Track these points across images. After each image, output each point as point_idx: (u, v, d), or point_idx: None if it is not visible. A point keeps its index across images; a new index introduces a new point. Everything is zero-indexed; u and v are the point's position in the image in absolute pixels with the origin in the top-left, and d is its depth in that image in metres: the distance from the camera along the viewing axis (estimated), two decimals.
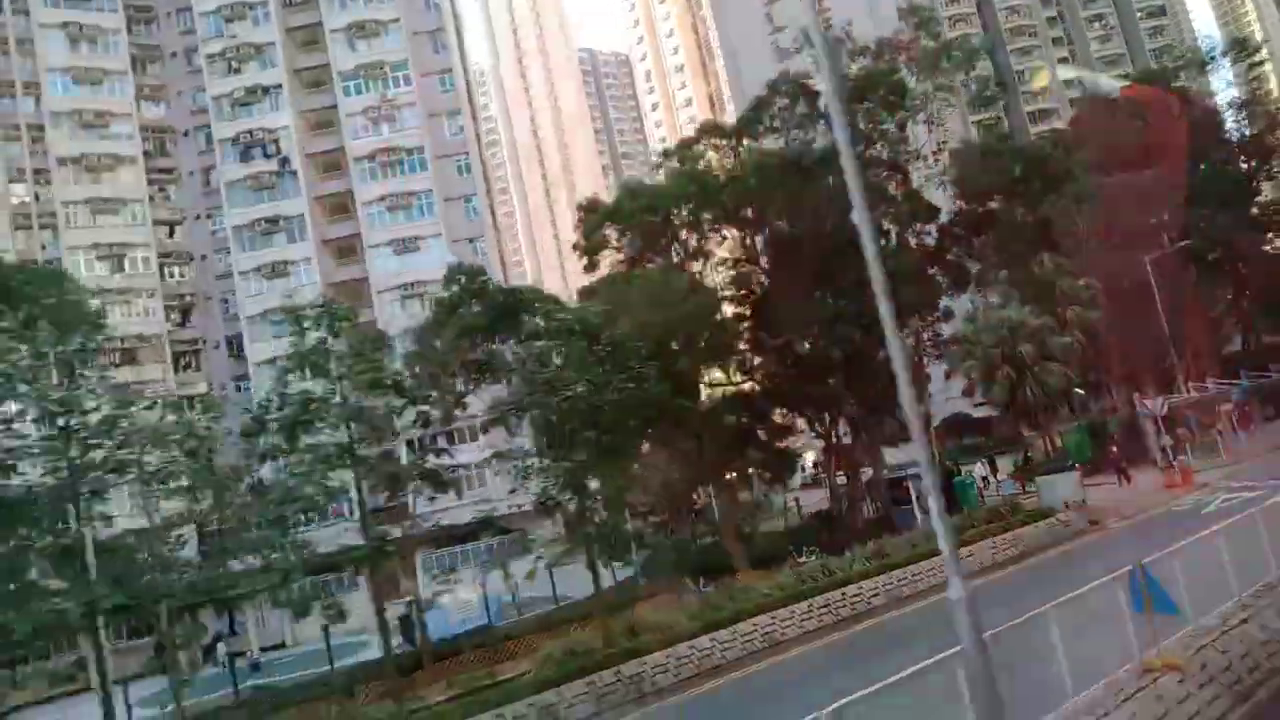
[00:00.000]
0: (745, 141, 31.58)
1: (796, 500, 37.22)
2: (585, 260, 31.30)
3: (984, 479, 41.07)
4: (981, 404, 58.09)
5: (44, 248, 54.89)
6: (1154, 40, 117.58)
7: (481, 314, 30.54)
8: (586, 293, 31.61)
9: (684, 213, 29.33)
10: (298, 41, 59.84)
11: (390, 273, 56.81)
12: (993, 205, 31.36)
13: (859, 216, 10.25)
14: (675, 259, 30.11)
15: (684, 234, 30.24)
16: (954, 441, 64.34)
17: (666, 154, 33.81)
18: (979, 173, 32.11)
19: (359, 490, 23.83)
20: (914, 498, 33.00)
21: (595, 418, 24.13)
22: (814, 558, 29.04)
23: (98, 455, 19.05)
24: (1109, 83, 72.86)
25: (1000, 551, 25.59)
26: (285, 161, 57.05)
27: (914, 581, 23.05)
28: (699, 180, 28.78)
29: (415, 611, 28.14)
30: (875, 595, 22.26)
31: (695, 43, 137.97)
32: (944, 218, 34.59)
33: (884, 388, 35.92)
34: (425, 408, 25.19)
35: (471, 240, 59.83)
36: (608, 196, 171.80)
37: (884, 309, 9.71)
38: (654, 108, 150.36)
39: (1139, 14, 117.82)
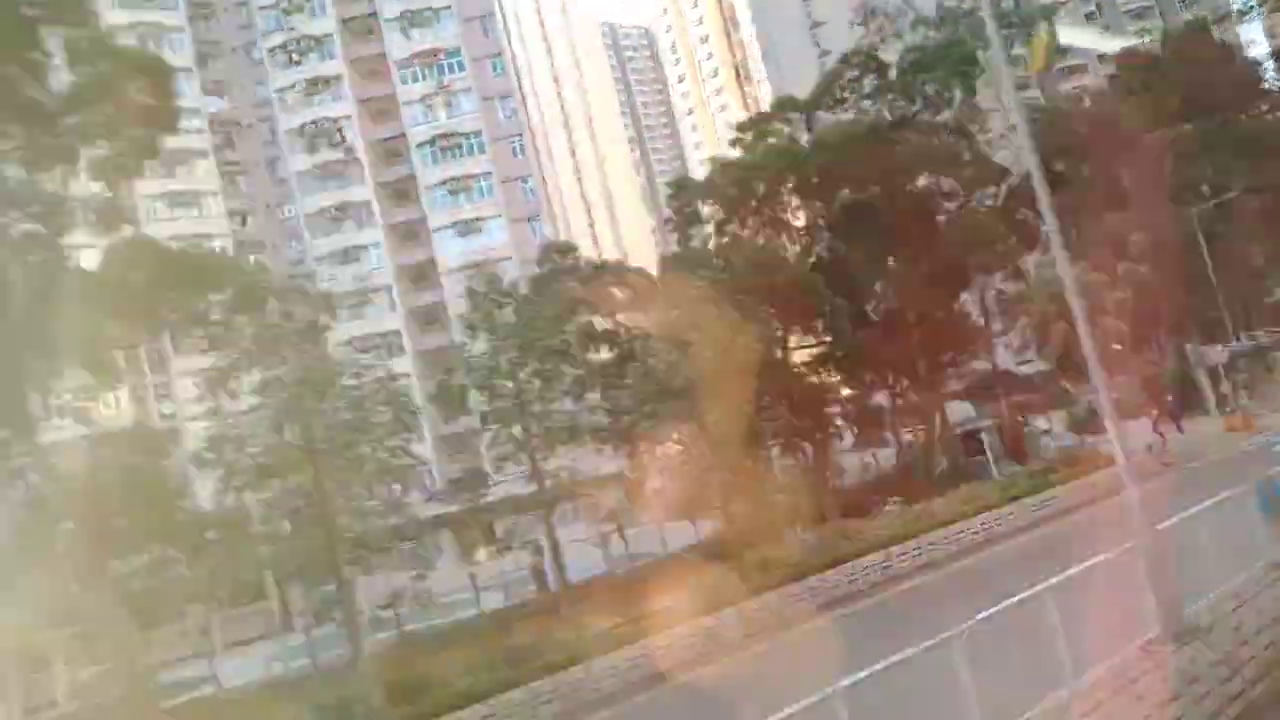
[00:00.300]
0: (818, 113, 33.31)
1: (874, 455, 39.43)
2: (677, 233, 33.37)
3: (1045, 431, 42.91)
4: (1026, 361, 59.74)
5: None
6: None
7: (577, 286, 32.67)
8: (674, 261, 33.79)
9: (762, 186, 31.15)
10: (353, 31, 61.70)
11: (455, 253, 58.94)
12: (1059, 167, 32.83)
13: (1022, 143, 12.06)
14: (755, 229, 31.88)
15: (768, 205, 32.08)
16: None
17: (742, 128, 35.59)
18: (1046, 134, 33.65)
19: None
20: (986, 449, 34.97)
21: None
22: (898, 506, 31.24)
23: None
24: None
25: (1073, 496, 27.63)
26: (349, 150, 59.22)
27: (1028, 514, 25.42)
28: (787, 153, 30.58)
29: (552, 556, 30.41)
30: (999, 523, 24.62)
31: (719, 13, 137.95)
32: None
33: (951, 344, 37.94)
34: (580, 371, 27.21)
35: (529, 220, 61.98)
36: (634, 169, 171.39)
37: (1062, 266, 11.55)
38: (680, 79, 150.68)
39: None
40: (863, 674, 7.72)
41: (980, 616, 8.87)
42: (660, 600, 21.71)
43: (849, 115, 33.12)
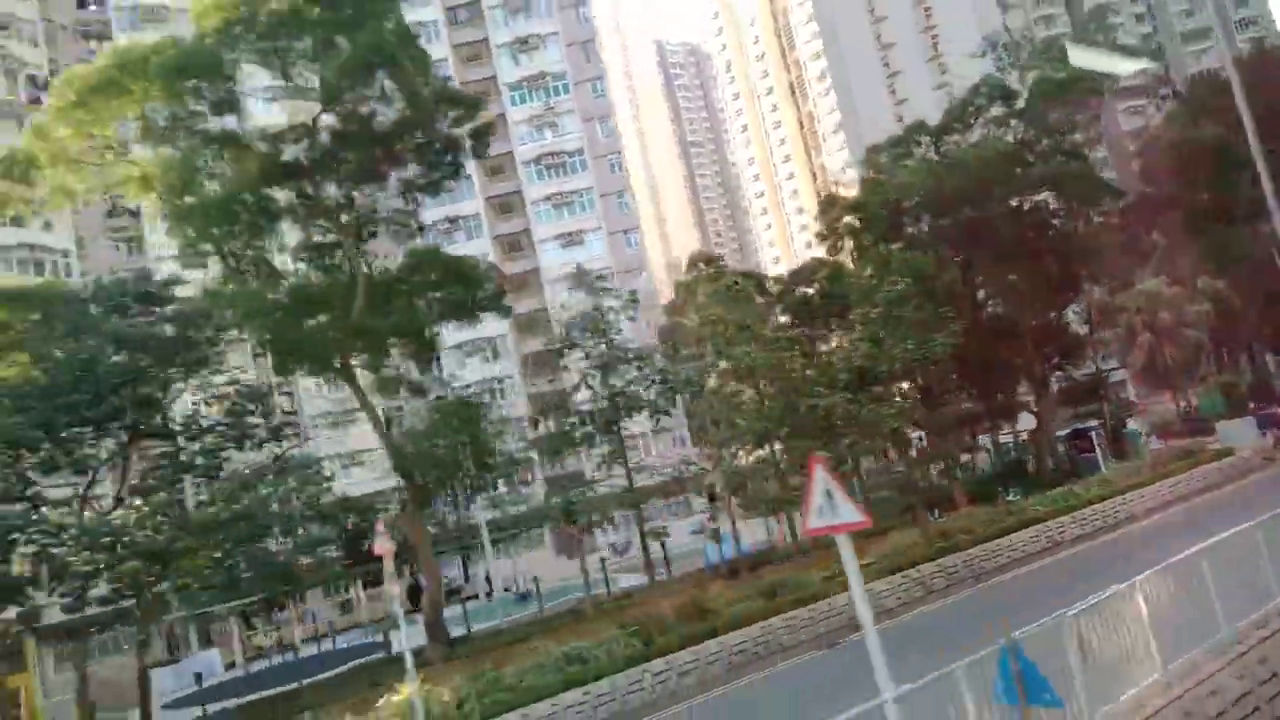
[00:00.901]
0: (948, 137, 36.59)
1: (997, 445, 42.47)
2: (827, 244, 36.78)
3: (1144, 434, 45.70)
4: (1114, 369, 62.12)
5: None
6: (1240, 10, 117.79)
7: (717, 296, 36.06)
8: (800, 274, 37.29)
9: (907, 203, 34.46)
10: (464, 57, 65.88)
11: (557, 264, 62.71)
12: (1172, 189, 35.68)
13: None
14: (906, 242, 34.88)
15: (910, 220, 35.37)
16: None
17: (877, 149, 38.96)
18: (1160, 161, 36.63)
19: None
20: (1096, 447, 37.88)
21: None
22: (1018, 496, 34.29)
23: None
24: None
25: (1208, 478, 30.50)
26: (460, 167, 63.13)
27: (1144, 501, 28.27)
28: (931, 173, 33.87)
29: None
30: (1121, 509, 27.48)
31: (775, 33, 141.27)
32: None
33: (1064, 349, 40.94)
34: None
35: (625, 232, 65.82)
36: (683, 183, 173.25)
37: None
38: (735, 96, 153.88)
39: None
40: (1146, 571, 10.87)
41: (1197, 548, 11.73)
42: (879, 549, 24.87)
43: (973, 138, 36.39)
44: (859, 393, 25.71)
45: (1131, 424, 46.62)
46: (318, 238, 23.98)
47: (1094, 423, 40.93)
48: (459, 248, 63.99)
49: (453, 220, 63.57)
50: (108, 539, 17.66)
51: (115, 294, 21.17)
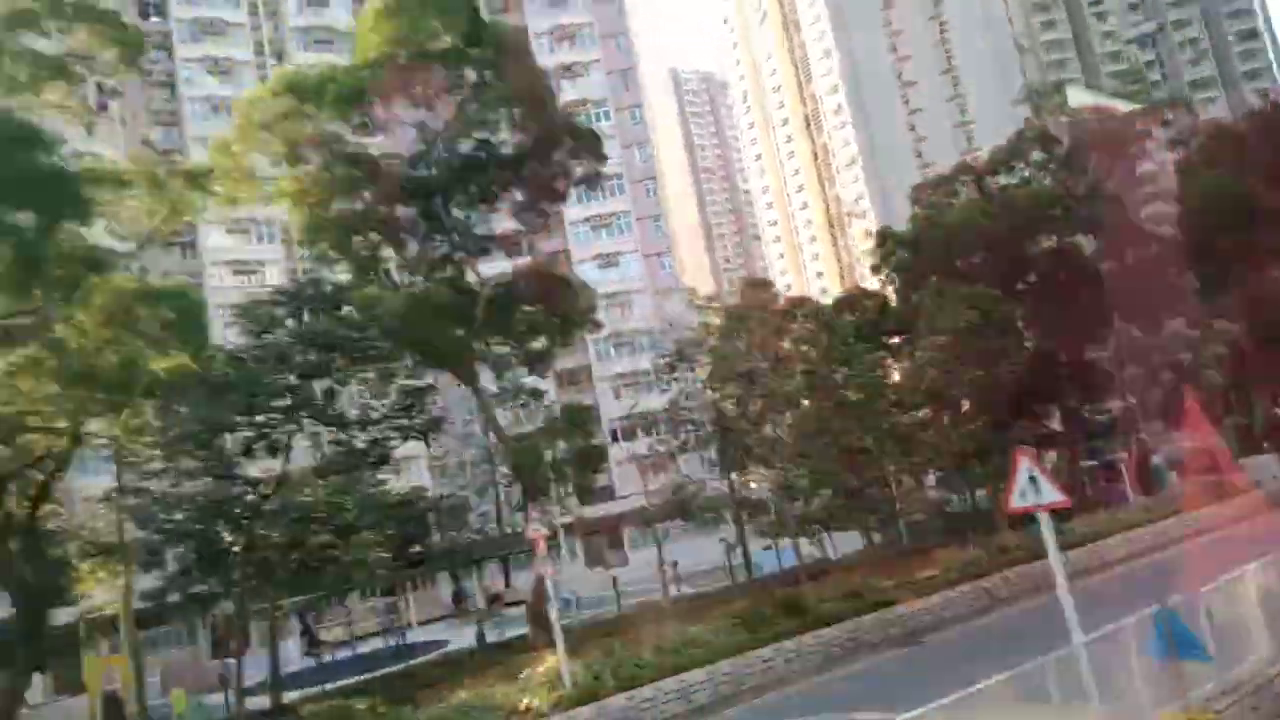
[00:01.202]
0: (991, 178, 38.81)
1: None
2: (880, 276, 38.90)
3: (1168, 466, 47.73)
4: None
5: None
6: (1246, 63, 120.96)
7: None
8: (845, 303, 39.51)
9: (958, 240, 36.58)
10: None
11: (594, 283, 64.52)
12: (1211, 234, 37.85)
13: None
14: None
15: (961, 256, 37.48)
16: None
17: (922, 189, 41.17)
18: (1200, 207, 38.92)
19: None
20: (1125, 479, 39.87)
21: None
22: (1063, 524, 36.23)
23: None
24: None
25: (1240, 508, 32.40)
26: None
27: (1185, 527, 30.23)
28: (985, 213, 36.02)
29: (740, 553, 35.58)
30: (1164, 533, 29.40)
31: (792, 65, 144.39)
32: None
33: (1096, 384, 42.94)
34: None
35: (659, 255, 67.97)
36: (695, 209, 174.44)
37: None
38: (750, 126, 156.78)
39: (1230, 37, 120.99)
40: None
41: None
42: (928, 569, 26.62)
43: (1013, 180, 38.61)
44: (935, 414, 27.59)
45: (1158, 458, 48.60)
46: (438, 252, 25.86)
47: (1122, 454, 42.89)
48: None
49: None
50: (299, 515, 19.41)
51: (301, 296, 23.02)
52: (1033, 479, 9.83)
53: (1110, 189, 39.34)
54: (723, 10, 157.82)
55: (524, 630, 31.08)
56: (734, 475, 33.28)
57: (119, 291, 16.30)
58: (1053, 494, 9.84)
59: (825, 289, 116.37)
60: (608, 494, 64.04)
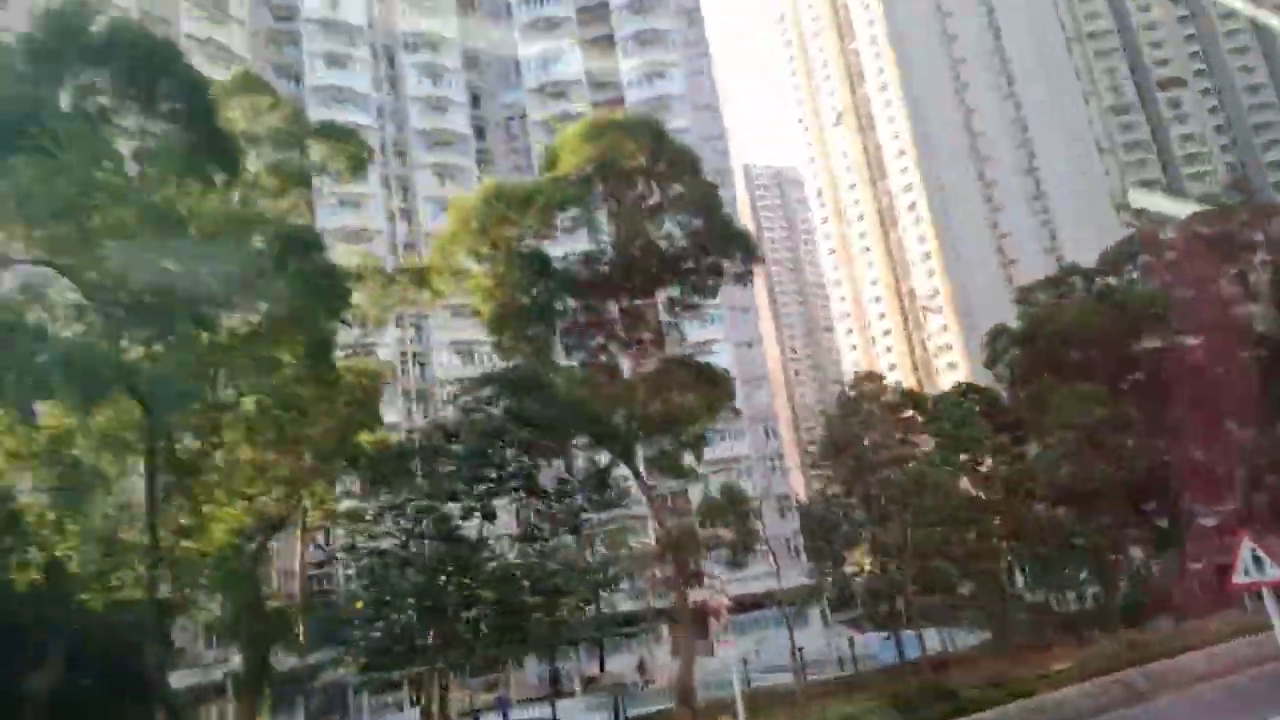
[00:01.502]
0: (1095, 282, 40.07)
1: (1140, 571, 44.30)
2: (995, 370, 40.22)
3: None
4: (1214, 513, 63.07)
5: None
6: None
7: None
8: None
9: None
10: None
11: None
12: None
13: None
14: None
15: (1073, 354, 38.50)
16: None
17: (1029, 289, 42.69)
18: None
19: None
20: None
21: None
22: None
23: None
24: None
25: None
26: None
27: None
28: (1096, 312, 37.26)
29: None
30: None
31: (866, 161, 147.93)
32: None
33: (1208, 484, 42.83)
34: None
35: (749, 344, 69.85)
36: (766, 300, 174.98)
37: None
38: (824, 220, 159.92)
39: None
40: None
41: None
42: (1053, 663, 27.01)
43: (1120, 281, 39.75)
44: (1070, 508, 28.35)
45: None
46: (593, 342, 28.09)
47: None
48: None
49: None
50: (511, 576, 21.22)
51: (509, 380, 25.41)
52: (1256, 558, 11.01)
53: (1214, 291, 40.15)
54: (796, 111, 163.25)
55: (645, 709, 32.00)
56: (848, 565, 34.09)
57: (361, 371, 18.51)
58: (1276, 571, 10.98)
59: (900, 381, 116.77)
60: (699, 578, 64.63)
